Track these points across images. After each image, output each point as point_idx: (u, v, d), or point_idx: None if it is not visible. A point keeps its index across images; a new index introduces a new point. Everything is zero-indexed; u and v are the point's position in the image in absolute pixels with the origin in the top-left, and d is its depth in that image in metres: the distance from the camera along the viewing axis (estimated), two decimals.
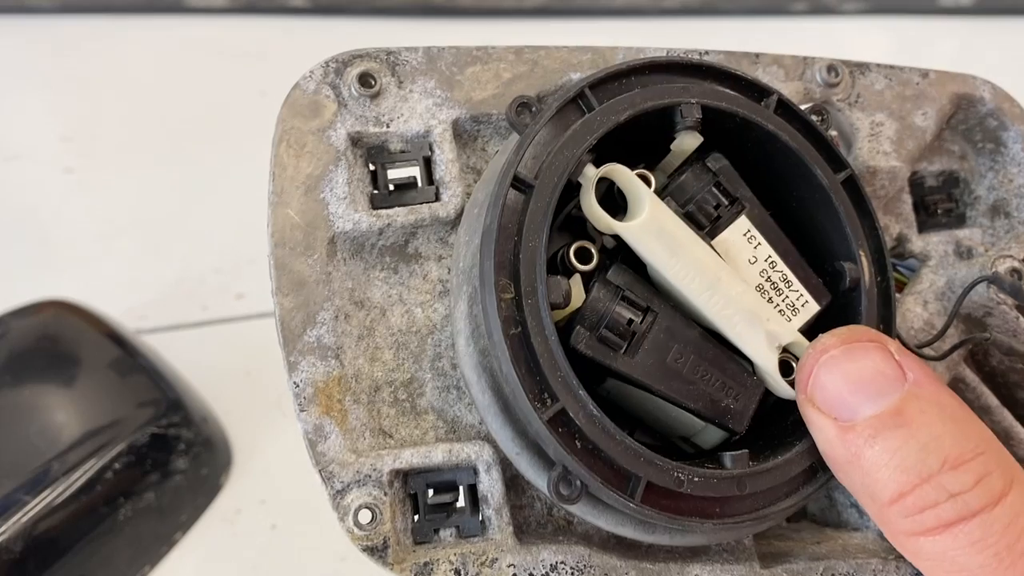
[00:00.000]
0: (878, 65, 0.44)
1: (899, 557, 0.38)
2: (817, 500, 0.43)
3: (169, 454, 0.66)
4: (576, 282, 0.32)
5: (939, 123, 0.44)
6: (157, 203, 0.94)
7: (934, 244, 0.44)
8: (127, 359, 0.68)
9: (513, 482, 0.35)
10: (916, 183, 0.46)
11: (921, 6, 1.19)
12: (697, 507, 0.32)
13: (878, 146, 0.42)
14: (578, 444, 0.30)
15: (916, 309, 0.42)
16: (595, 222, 0.32)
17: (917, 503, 0.29)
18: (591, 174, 0.32)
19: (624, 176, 0.33)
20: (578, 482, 0.30)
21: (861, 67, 0.43)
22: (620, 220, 0.32)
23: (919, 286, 0.43)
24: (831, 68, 0.42)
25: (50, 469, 0.60)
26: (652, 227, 0.32)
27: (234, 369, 0.79)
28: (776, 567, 0.37)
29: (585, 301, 0.32)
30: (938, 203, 0.46)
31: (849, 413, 0.30)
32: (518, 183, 0.31)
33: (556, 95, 0.34)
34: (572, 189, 0.33)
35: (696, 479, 0.31)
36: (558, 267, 0.33)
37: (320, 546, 0.69)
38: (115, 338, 0.69)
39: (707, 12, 1.20)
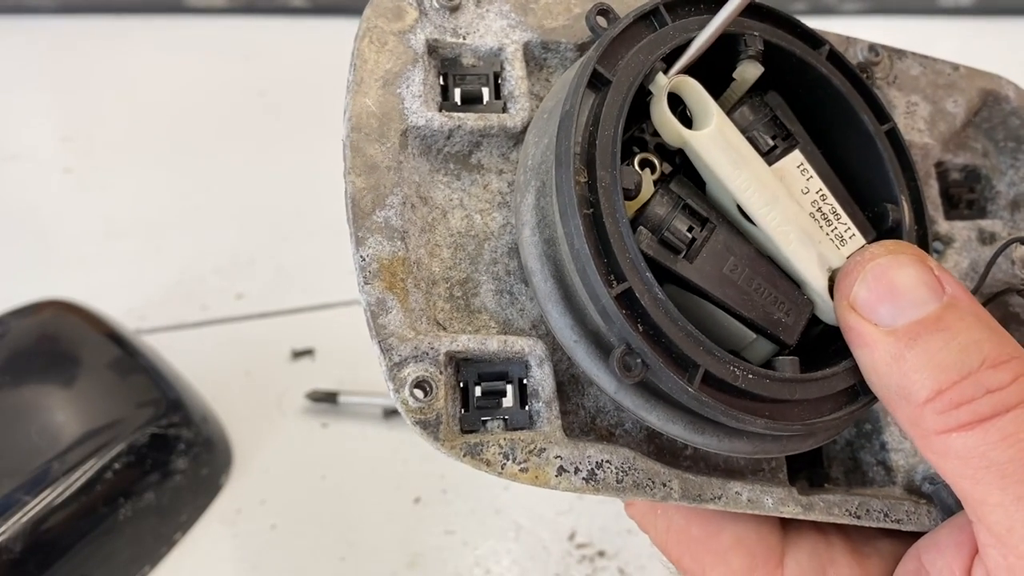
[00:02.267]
0: (913, 53, 0.46)
1: (930, 501, 0.40)
2: (847, 433, 0.44)
3: (169, 454, 0.66)
4: (646, 176, 0.34)
5: (968, 113, 0.46)
6: (157, 203, 0.94)
7: (958, 229, 0.46)
8: (127, 359, 0.68)
9: (559, 388, 0.36)
10: (941, 174, 0.47)
11: (921, 6, 1.19)
12: (750, 405, 0.33)
13: (913, 123, 0.44)
14: (641, 327, 0.31)
15: None
16: (663, 129, 0.34)
17: (954, 399, 0.29)
18: (662, 83, 0.33)
19: (693, 88, 0.34)
20: (639, 360, 0.31)
21: (898, 53, 0.45)
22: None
23: (943, 264, 0.44)
24: (872, 48, 0.44)
25: (50, 469, 0.61)
26: (718, 138, 0.33)
27: (234, 369, 0.79)
28: (813, 496, 0.38)
29: (648, 205, 0.34)
30: (961, 195, 0.48)
31: (890, 319, 0.31)
32: (596, 79, 0.33)
33: (633, 9, 0.36)
34: (634, 113, 0.34)
35: (751, 376, 0.32)
36: None
37: (320, 546, 0.69)
38: (115, 338, 0.69)
39: None
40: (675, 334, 0.31)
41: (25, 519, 0.58)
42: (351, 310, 0.85)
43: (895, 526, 0.39)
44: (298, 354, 0.80)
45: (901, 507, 0.39)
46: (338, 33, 1.15)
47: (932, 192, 0.46)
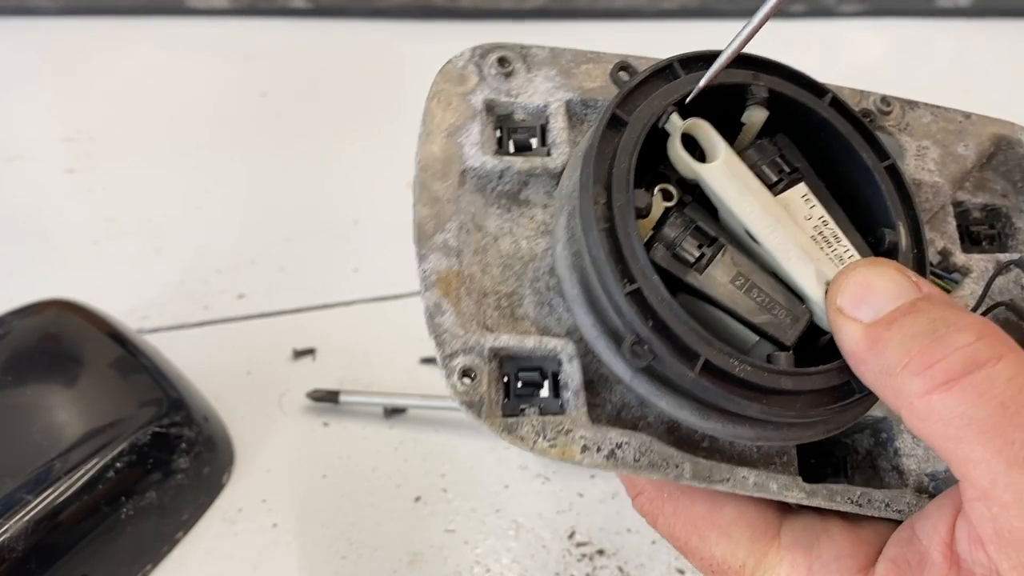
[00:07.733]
0: (925, 104, 0.49)
1: (932, 496, 0.42)
2: (868, 443, 0.47)
3: (171, 453, 0.66)
4: (657, 200, 0.40)
5: (979, 156, 0.50)
6: (159, 203, 0.94)
7: (976, 260, 0.49)
8: (129, 359, 0.68)
9: (588, 386, 0.41)
10: (961, 212, 0.51)
11: (919, 7, 1.19)
12: (747, 393, 0.37)
13: (923, 164, 0.48)
14: (649, 321, 0.36)
15: None
16: (678, 163, 0.39)
17: (927, 359, 0.32)
18: (678, 124, 0.39)
19: (704, 129, 0.39)
20: (647, 348, 0.36)
21: (911, 103, 0.49)
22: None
23: (960, 292, 0.48)
24: (884, 99, 0.48)
25: (52, 468, 0.61)
26: (724, 169, 0.39)
27: (236, 369, 0.79)
28: (817, 484, 0.42)
29: (664, 225, 0.39)
30: (981, 232, 0.51)
31: (872, 314, 0.35)
32: (615, 121, 0.39)
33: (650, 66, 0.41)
34: (661, 155, 0.39)
35: (748, 367, 0.36)
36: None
37: (321, 545, 0.69)
38: (117, 338, 0.69)
39: (706, 14, 1.20)
40: (679, 328, 0.36)
41: (27, 518, 0.59)
42: (352, 310, 0.85)
43: (896, 516, 0.41)
44: (299, 354, 0.81)
45: (903, 499, 0.42)
46: (339, 35, 1.16)
47: (950, 228, 0.49)
